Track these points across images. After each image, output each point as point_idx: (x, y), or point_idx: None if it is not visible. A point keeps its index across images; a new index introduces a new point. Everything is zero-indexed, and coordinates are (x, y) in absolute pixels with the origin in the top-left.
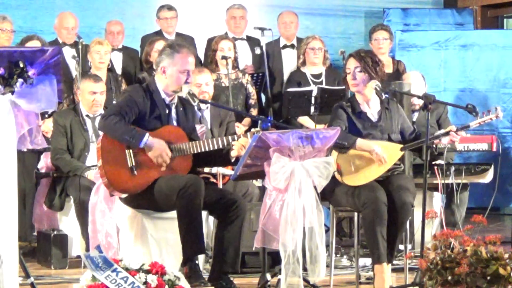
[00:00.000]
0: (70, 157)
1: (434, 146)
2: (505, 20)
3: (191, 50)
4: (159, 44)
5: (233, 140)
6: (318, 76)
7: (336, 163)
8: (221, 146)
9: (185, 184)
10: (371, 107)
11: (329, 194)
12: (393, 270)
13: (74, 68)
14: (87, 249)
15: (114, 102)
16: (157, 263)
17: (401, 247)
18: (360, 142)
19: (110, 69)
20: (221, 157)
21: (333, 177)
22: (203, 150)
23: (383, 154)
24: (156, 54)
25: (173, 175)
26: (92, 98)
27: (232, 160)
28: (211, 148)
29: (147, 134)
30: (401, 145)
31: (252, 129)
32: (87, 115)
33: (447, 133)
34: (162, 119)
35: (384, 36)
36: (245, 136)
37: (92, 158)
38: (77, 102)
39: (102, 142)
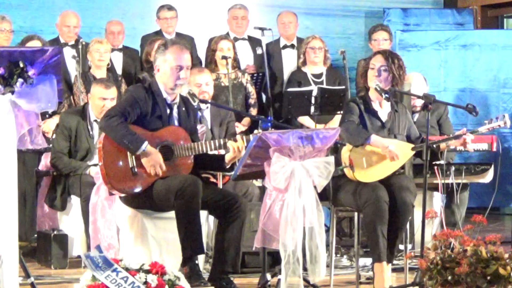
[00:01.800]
0: (68, 158)
1: (441, 152)
2: (505, 20)
3: (184, 47)
4: None
5: (234, 141)
6: (318, 76)
7: (349, 158)
8: (222, 148)
9: (182, 185)
10: (383, 107)
11: (330, 193)
12: (393, 270)
13: (74, 68)
14: (88, 249)
15: None
16: (157, 263)
17: (401, 247)
18: (374, 138)
19: (110, 69)
20: (217, 162)
21: (335, 176)
22: (204, 151)
23: (396, 151)
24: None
25: (171, 176)
26: (102, 104)
27: (227, 167)
28: (212, 149)
29: (145, 143)
30: (412, 145)
31: (255, 131)
32: (95, 120)
33: (458, 136)
34: (163, 119)
35: (384, 36)
36: (242, 139)
37: (94, 163)
38: (87, 103)
39: (104, 142)
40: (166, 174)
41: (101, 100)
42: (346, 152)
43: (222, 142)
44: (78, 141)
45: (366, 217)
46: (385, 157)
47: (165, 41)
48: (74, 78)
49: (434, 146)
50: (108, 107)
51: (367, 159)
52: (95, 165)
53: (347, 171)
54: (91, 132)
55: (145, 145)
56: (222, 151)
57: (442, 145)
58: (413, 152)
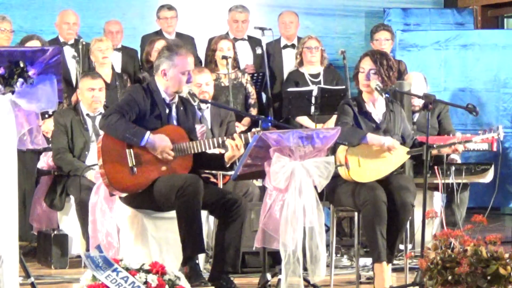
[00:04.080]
0: (72, 156)
1: (431, 157)
2: (505, 20)
3: (189, 50)
4: (159, 44)
5: (232, 139)
6: (316, 76)
7: (345, 157)
8: (220, 147)
9: (183, 184)
10: (377, 108)
11: (329, 193)
12: (394, 270)
13: (74, 67)
14: (88, 249)
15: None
16: (157, 262)
17: (402, 247)
18: (370, 136)
19: (113, 68)
20: (217, 161)
21: (334, 176)
22: (202, 150)
23: (394, 145)
24: (157, 54)
25: (171, 175)
26: (91, 94)
27: (227, 165)
28: (211, 148)
29: (148, 132)
30: (408, 149)
31: (253, 129)
32: (87, 114)
33: (451, 144)
34: (162, 119)
35: (386, 36)
36: (240, 137)
37: (92, 157)
38: (78, 101)
39: (103, 142)
40: (166, 173)
41: (90, 91)
42: (341, 151)
43: (220, 141)
44: (75, 135)
45: (365, 218)
46: (380, 158)
47: (171, 45)
48: (75, 77)
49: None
50: (98, 97)
51: (363, 159)
52: (94, 165)
53: (343, 171)
54: (85, 126)
55: (148, 135)
56: (221, 150)
57: (434, 151)
58: (408, 156)
